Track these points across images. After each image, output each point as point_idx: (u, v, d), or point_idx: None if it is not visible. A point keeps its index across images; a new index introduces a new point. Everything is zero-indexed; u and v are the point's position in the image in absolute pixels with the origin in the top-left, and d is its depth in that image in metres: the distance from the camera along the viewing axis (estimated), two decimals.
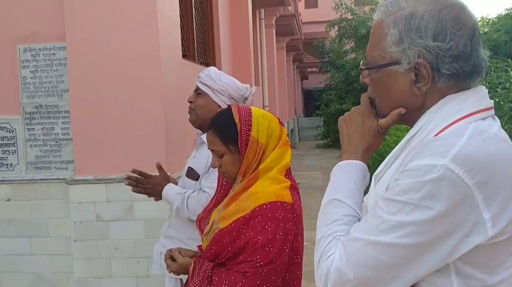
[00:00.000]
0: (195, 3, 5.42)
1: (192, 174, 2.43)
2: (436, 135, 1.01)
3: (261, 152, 1.69)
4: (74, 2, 3.52)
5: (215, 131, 1.72)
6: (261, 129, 1.69)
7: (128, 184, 2.46)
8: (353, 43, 18.28)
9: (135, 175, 2.46)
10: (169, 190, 2.42)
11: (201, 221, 1.87)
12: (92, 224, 3.56)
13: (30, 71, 3.72)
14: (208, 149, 1.79)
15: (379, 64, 1.09)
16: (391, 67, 1.07)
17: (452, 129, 1.00)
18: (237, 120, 1.70)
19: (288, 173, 1.72)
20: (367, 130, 1.17)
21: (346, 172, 1.16)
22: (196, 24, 5.39)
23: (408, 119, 1.11)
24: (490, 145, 0.97)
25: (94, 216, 3.55)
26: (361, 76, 1.17)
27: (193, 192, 2.35)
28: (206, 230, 1.74)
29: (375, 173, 1.12)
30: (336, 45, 19.16)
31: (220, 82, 2.38)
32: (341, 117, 1.23)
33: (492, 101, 1.09)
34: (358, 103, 1.20)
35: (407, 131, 1.11)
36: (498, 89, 4.56)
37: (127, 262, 3.58)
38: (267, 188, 1.63)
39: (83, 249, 3.59)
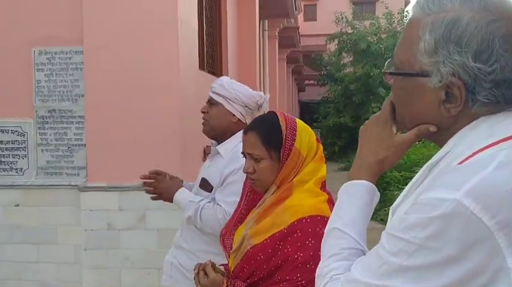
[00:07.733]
0: (205, 12, 5.40)
1: (206, 185, 2.33)
2: (460, 163, 0.84)
3: (300, 164, 1.62)
4: (93, 7, 3.47)
5: (259, 133, 1.63)
6: (303, 142, 1.63)
7: (144, 185, 2.38)
8: (352, 57, 18.36)
9: (149, 179, 2.37)
10: (181, 195, 2.32)
11: (225, 236, 1.75)
12: (102, 233, 3.48)
13: (45, 75, 3.66)
14: (242, 152, 1.69)
15: (405, 72, 0.92)
16: (419, 78, 0.89)
17: (478, 157, 0.83)
18: (283, 127, 1.62)
19: (323, 186, 1.65)
20: (380, 140, 1.01)
21: (350, 194, 1.03)
22: (205, 34, 5.36)
23: (436, 139, 0.95)
24: None
25: (106, 224, 3.47)
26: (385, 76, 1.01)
27: (208, 202, 2.24)
28: (235, 247, 1.63)
29: (392, 206, 0.96)
30: (335, 59, 19.25)
31: (233, 91, 2.32)
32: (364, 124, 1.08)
33: None
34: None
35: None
36: None
37: (137, 273, 3.50)
38: (305, 201, 1.55)
39: (92, 258, 3.51)
